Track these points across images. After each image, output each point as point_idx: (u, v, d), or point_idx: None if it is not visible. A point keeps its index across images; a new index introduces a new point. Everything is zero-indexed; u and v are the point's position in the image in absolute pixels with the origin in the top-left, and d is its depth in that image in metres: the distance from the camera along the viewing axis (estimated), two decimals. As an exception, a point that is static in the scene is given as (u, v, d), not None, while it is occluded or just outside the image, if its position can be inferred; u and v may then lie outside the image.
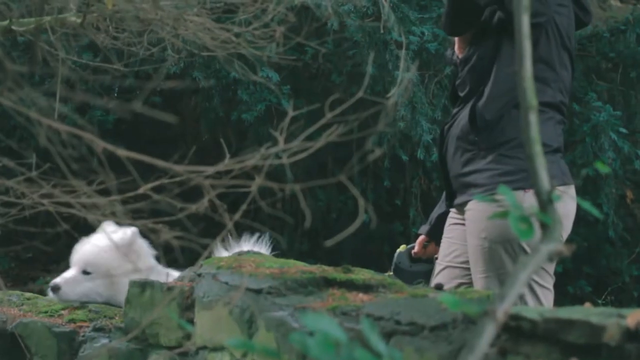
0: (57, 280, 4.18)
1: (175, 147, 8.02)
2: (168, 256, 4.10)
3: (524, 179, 4.01)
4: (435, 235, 4.54)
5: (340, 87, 8.22)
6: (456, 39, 4.50)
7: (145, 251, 4.22)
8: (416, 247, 4.63)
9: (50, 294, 4.17)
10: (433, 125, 7.97)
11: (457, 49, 4.47)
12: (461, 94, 4.39)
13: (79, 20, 3.42)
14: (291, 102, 2.83)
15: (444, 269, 4.40)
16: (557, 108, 4.28)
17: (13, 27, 3.44)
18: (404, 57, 6.12)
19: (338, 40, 7.93)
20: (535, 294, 4.11)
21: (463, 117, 4.30)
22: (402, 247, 4.69)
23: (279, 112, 8.15)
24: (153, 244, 4.19)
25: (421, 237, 4.64)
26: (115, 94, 8.15)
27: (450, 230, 4.41)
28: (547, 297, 4.16)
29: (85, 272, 4.15)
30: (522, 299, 4.02)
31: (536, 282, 4.10)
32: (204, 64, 7.94)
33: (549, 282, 4.18)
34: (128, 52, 3.78)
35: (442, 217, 4.50)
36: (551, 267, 4.19)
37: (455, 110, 4.43)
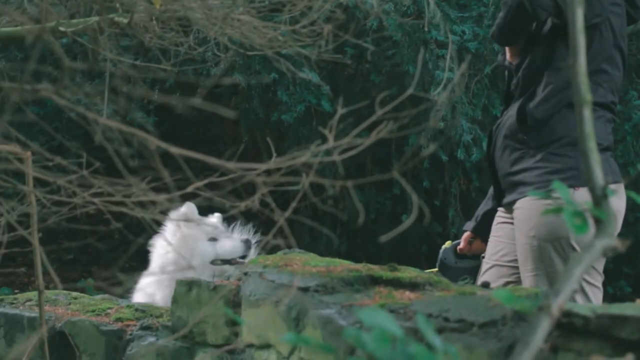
0: None
1: (215, 149, 8.05)
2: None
3: (573, 177, 4.01)
4: (481, 231, 4.55)
5: (379, 87, 8.20)
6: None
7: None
8: (462, 243, 4.64)
9: None
10: (473, 125, 7.94)
11: (508, 56, 4.47)
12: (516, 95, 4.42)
13: (125, 21, 3.44)
14: (339, 101, 2.84)
15: (491, 267, 4.40)
16: (608, 108, 4.28)
17: (61, 28, 3.46)
18: (450, 56, 6.11)
19: (377, 39, 7.91)
20: (585, 293, 4.10)
21: (510, 116, 4.30)
22: (448, 243, 4.70)
23: (318, 113, 8.14)
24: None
25: (467, 234, 4.64)
26: (156, 96, 8.17)
27: (498, 229, 4.41)
28: (597, 296, 4.15)
29: None
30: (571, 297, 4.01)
31: (586, 281, 4.09)
32: (244, 65, 7.95)
33: (599, 281, 4.18)
34: (167, 53, 3.80)
35: (488, 214, 4.51)
36: (600, 266, 4.18)
37: (502, 110, 4.46)
